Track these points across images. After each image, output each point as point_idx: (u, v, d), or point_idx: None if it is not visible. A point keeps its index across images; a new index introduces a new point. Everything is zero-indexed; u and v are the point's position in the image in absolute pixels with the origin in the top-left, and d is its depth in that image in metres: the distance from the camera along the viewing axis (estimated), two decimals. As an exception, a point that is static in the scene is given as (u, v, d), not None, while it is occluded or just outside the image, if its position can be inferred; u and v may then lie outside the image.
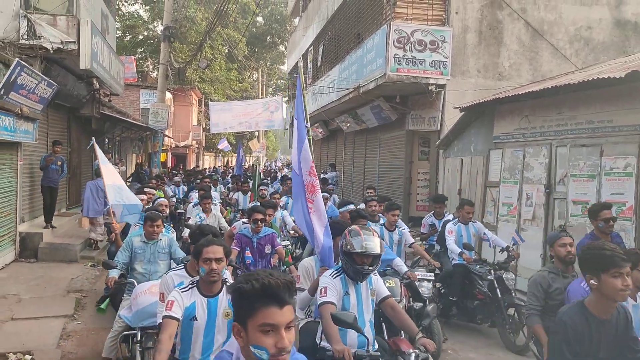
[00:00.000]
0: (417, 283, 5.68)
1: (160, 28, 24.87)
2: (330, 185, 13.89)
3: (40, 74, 8.54)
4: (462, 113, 10.15)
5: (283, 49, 42.22)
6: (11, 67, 7.59)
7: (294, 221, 8.19)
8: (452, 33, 11.11)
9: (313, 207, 4.16)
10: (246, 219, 6.28)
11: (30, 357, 5.35)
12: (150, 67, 32.47)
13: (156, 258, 5.04)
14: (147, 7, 34.53)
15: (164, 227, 5.47)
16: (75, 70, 10.31)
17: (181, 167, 28.26)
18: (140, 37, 33.32)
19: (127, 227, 6.67)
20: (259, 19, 41.91)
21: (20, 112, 8.07)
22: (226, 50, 33.40)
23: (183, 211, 10.64)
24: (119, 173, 14.26)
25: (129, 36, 32.48)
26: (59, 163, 9.93)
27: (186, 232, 7.81)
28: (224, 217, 8.85)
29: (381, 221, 6.57)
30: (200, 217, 7.76)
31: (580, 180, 7.43)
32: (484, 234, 6.91)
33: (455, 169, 10.76)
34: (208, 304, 3.16)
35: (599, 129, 7.18)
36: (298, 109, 4.73)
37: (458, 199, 10.13)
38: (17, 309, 6.74)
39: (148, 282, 4.65)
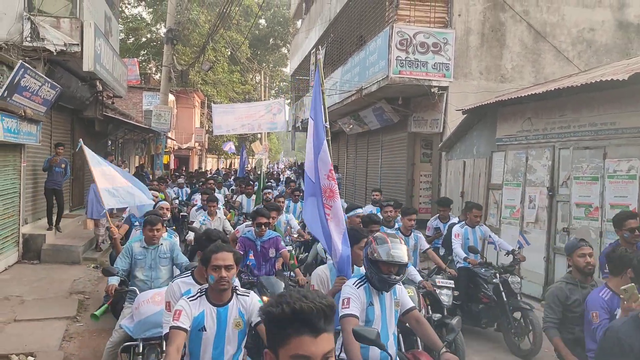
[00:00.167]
0: (437, 291, 5.54)
1: (163, 30, 24.93)
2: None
3: (44, 76, 8.57)
4: (465, 115, 10.14)
5: (286, 51, 42.28)
6: (15, 69, 7.61)
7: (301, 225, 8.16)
8: (455, 35, 11.11)
9: (331, 214, 3.84)
10: (250, 222, 6.18)
11: (32, 358, 5.35)
12: (153, 69, 32.58)
13: (157, 264, 4.83)
14: (150, 10, 34.64)
15: (166, 230, 5.40)
16: (78, 73, 10.34)
17: (184, 169, 28.31)
18: (143, 39, 33.44)
19: (129, 231, 6.64)
20: (262, 21, 41.97)
21: (23, 114, 8.09)
22: (229, 53, 33.47)
23: (186, 214, 10.63)
24: (122, 175, 14.36)
25: (132, 38, 32.59)
26: (63, 165, 9.96)
27: (190, 235, 7.80)
28: (228, 220, 8.81)
29: (396, 226, 6.45)
30: (204, 220, 7.71)
31: (583, 183, 7.42)
32: (490, 237, 6.85)
33: (458, 172, 10.75)
34: (217, 314, 3.00)
35: (602, 132, 7.16)
36: (316, 107, 4.21)
37: (461, 202, 10.12)
38: (19, 310, 6.75)
39: (150, 290, 4.45)
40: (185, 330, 2.89)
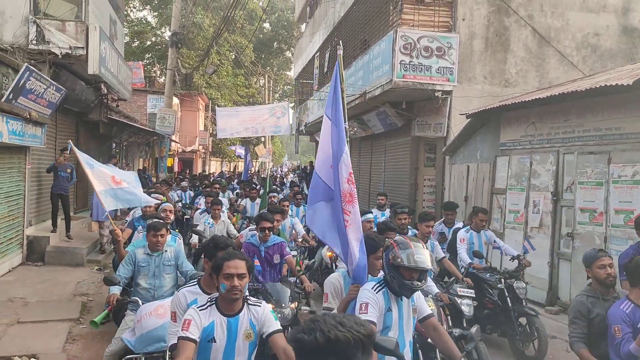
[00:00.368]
0: (459, 301, 5.40)
1: (168, 34, 25.06)
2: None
3: (49, 79, 8.62)
4: (469, 119, 10.13)
5: (290, 55, 42.40)
6: (20, 72, 7.66)
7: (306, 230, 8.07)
8: (459, 39, 11.11)
9: (350, 220, 3.59)
10: (254, 227, 6.07)
11: (35, 360, 5.36)
12: (158, 72, 32.68)
13: (161, 271, 4.63)
14: (155, 13, 34.85)
15: (170, 232, 5.35)
16: (83, 75, 10.39)
17: (187, 172, 28.37)
18: (148, 42, 33.61)
19: (132, 234, 6.62)
20: (266, 25, 42.12)
21: (28, 116, 8.13)
22: (233, 56, 33.59)
23: (190, 217, 10.63)
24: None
25: (137, 42, 32.75)
26: (69, 170, 9.99)
27: (194, 238, 7.80)
28: (233, 224, 8.77)
29: (409, 234, 6.27)
30: (209, 224, 7.68)
31: (587, 188, 7.39)
32: (495, 241, 6.82)
33: (462, 176, 10.73)
34: (228, 324, 2.86)
35: (607, 137, 7.14)
36: (337, 107, 3.88)
37: (464, 206, 10.10)
38: (23, 312, 6.76)
39: (153, 302, 4.25)
40: (194, 341, 2.75)
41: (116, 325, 4.71)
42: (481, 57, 11.46)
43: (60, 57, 9.08)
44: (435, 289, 5.10)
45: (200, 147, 35.84)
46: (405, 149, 13.69)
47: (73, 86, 10.35)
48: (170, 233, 5.48)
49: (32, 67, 7.88)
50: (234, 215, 10.45)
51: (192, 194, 13.53)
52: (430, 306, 4.17)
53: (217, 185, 12.32)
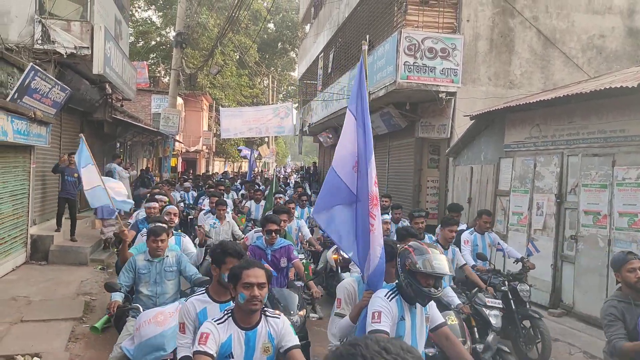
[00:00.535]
0: (486, 311, 5.25)
1: (172, 34, 25.06)
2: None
3: (54, 79, 8.65)
4: (473, 121, 10.11)
5: (294, 55, 42.42)
6: (25, 72, 7.70)
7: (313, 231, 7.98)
8: (463, 41, 11.08)
9: (375, 225, 3.39)
10: (259, 229, 5.88)
11: (38, 359, 5.37)
12: (162, 72, 32.77)
13: (163, 278, 4.46)
14: (160, 14, 34.93)
15: (174, 233, 5.31)
16: (88, 75, 10.43)
17: (191, 172, 28.42)
18: (153, 42, 33.69)
19: (136, 236, 6.60)
20: (270, 25, 42.16)
21: (33, 115, 8.17)
22: (237, 57, 33.63)
23: (194, 217, 10.62)
24: (130, 177, 14.46)
25: (142, 42, 32.84)
26: (75, 175, 9.92)
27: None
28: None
29: (426, 238, 6.12)
30: (214, 224, 7.61)
31: (591, 190, 7.36)
32: (499, 244, 6.78)
33: (465, 177, 10.71)
34: (246, 338, 2.74)
35: (611, 139, 7.11)
36: (363, 103, 3.70)
37: (468, 208, 10.07)
38: (26, 311, 6.78)
39: (153, 309, 4.10)
40: (212, 356, 2.62)
41: (118, 332, 4.60)
42: (486, 58, 11.43)
43: (65, 56, 9.12)
44: (457, 300, 4.83)
45: (204, 147, 35.89)
46: (408, 150, 13.67)
47: (78, 86, 10.39)
48: (173, 234, 5.45)
49: (37, 67, 7.91)
50: (238, 216, 10.42)
51: (194, 194, 13.55)
52: (452, 321, 4.07)
53: (222, 187, 12.29)
